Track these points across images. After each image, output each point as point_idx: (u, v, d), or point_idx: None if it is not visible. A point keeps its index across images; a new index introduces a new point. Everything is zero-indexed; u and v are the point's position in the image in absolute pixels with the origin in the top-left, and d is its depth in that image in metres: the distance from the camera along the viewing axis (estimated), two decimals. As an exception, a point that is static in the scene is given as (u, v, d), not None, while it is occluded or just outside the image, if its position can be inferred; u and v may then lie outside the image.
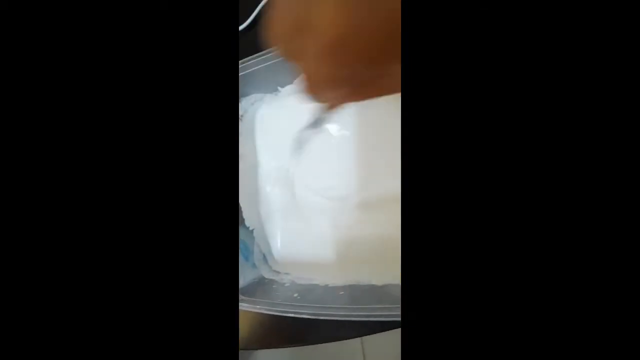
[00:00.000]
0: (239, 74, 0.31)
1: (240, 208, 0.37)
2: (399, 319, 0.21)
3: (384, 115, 0.31)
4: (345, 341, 0.34)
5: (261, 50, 0.30)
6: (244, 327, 0.37)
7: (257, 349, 0.39)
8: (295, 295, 0.30)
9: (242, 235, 0.37)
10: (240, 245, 0.36)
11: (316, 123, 0.23)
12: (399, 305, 0.20)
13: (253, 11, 0.39)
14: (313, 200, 0.35)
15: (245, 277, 0.35)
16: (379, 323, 0.27)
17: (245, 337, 0.37)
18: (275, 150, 0.38)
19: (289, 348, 0.37)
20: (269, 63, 0.30)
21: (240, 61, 0.31)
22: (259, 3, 0.39)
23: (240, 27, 0.39)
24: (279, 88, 0.35)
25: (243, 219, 0.37)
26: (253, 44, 0.31)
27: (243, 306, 0.30)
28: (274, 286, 0.34)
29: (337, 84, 0.15)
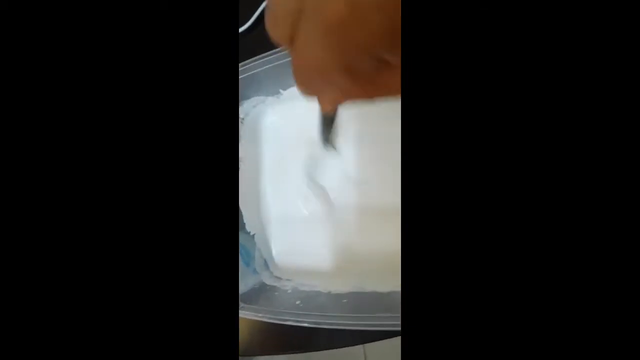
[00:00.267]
0: (240, 77, 0.31)
1: (241, 212, 0.36)
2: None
3: (385, 124, 0.30)
4: (346, 348, 0.33)
5: (263, 52, 0.29)
6: (244, 332, 0.37)
7: (256, 355, 0.39)
8: (298, 302, 0.30)
9: (243, 240, 0.36)
10: (241, 251, 0.35)
11: (324, 140, 0.22)
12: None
13: (254, 13, 0.38)
14: (316, 206, 0.35)
15: (246, 283, 0.35)
16: (382, 332, 0.27)
17: (245, 343, 0.37)
18: (277, 154, 0.38)
19: (287, 355, 0.37)
20: (270, 65, 0.29)
21: (241, 63, 0.31)
22: (260, 4, 0.38)
23: (241, 29, 0.39)
24: (281, 91, 0.34)
25: (244, 224, 0.36)
26: (254, 46, 0.31)
27: (244, 313, 0.30)
28: (275, 293, 0.33)
29: (330, 74, 0.14)
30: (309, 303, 0.29)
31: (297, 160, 0.36)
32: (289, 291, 0.33)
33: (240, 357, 0.39)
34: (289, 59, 0.28)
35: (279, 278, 0.36)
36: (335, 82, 0.14)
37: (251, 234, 0.37)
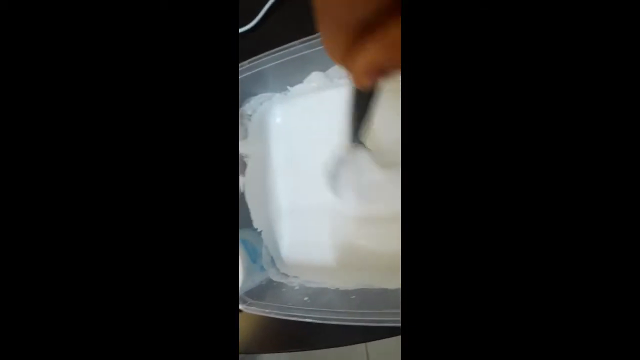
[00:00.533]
0: (247, 74, 0.31)
1: (248, 209, 0.36)
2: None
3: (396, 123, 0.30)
4: (349, 347, 0.33)
5: (270, 49, 0.29)
6: (247, 329, 0.37)
7: (259, 353, 0.39)
8: (305, 298, 0.30)
9: (250, 236, 0.36)
10: (248, 247, 0.35)
11: (354, 130, 0.19)
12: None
13: (261, 10, 0.38)
14: (323, 203, 0.35)
15: (253, 279, 0.35)
16: (389, 328, 0.27)
17: (249, 340, 0.37)
18: (284, 151, 0.38)
19: (290, 353, 0.36)
20: (277, 62, 0.29)
21: (247, 60, 0.31)
22: (266, 2, 0.38)
23: (249, 26, 0.39)
24: (289, 87, 0.34)
25: (251, 220, 0.36)
26: (261, 43, 0.31)
27: (251, 309, 0.30)
28: (282, 289, 0.33)
29: (358, 30, 0.11)
30: (317, 299, 0.29)
31: (305, 157, 0.36)
32: (296, 288, 0.33)
33: (243, 355, 0.39)
34: (295, 55, 0.28)
35: (286, 275, 0.36)
36: (367, 46, 0.12)
37: (258, 230, 0.37)
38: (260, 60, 0.30)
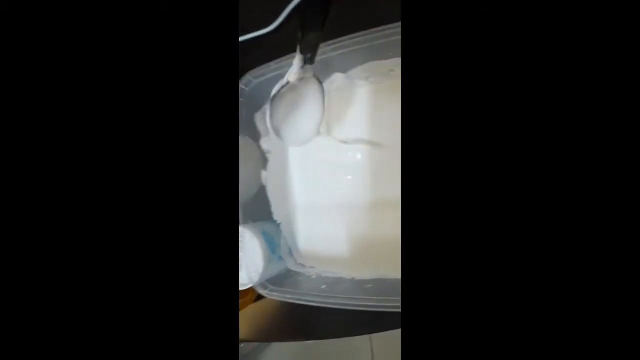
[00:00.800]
0: (268, 76, 0.33)
1: (270, 202, 0.38)
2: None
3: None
4: (353, 342, 0.35)
5: (289, 53, 0.31)
6: (265, 318, 0.39)
7: (277, 341, 0.41)
8: (323, 286, 0.32)
9: (270, 228, 0.39)
10: (268, 238, 0.37)
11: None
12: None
13: (281, 14, 0.40)
14: (338, 197, 0.36)
15: (272, 268, 0.37)
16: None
17: (265, 329, 0.39)
18: (302, 148, 0.40)
19: (294, 348, 0.38)
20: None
21: (270, 63, 0.33)
22: (287, 6, 0.40)
23: (267, 30, 0.40)
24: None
25: (271, 213, 0.39)
26: (280, 47, 0.32)
27: (272, 295, 0.32)
28: (300, 278, 0.36)
29: None
30: (334, 287, 0.31)
31: (321, 153, 0.38)
32: (313, 277, 0.35)
33: (245, 345, 0.41)
34: (318, 57, 0.30)
35: (303, 265, 0.38)
36: None
37: (277, 222, 0.39)
38: (283, 63, 0.32)
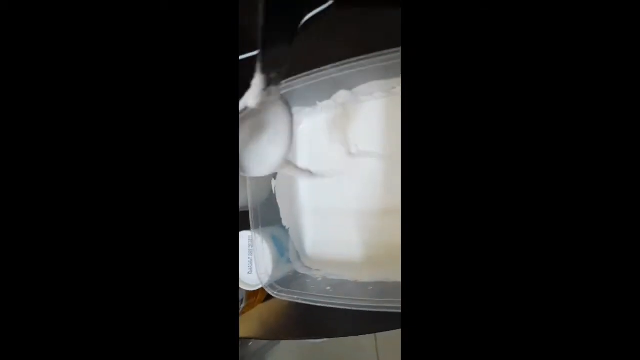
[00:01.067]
0: (283, 92, 0.35)
1: (279, 207, 0.41)
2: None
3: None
4: (359, 340, 0.37)
5: (302, 69, 0.34)
6: (273, 318, 0.41)
7: (285, 339, 0.43)
8: (328, 288, 0.34)
9: (279, 233, 0.41)
10: (277, 242, 0.40)
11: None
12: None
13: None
14: (344, 204, 0.39)
15: (280, 270, 0.39)
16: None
17: (273, 328, 0.41)
18: (310, 156, 0.42)
19: (300, 348, 0.40)
20: (310, 82, 0.34)
21: (284, 80, 0.35)
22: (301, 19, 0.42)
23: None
24: (317, 102, 0.39)
25: (281, 219, 0.41)
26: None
27: (281, 295, 0.35)
28: (307, 280, 0.38)
29: None
30: (339, 289, 0.34)
31: (328, 162, 0.41)
32: (319, 279, 0.38)
33: (245, 341, 0.43)
34: (325, 78, 0.33)
35: (310, 268, 0.40)
36: None
37: (286, 227, 0.41)
38: (296, 80, 0.34)
